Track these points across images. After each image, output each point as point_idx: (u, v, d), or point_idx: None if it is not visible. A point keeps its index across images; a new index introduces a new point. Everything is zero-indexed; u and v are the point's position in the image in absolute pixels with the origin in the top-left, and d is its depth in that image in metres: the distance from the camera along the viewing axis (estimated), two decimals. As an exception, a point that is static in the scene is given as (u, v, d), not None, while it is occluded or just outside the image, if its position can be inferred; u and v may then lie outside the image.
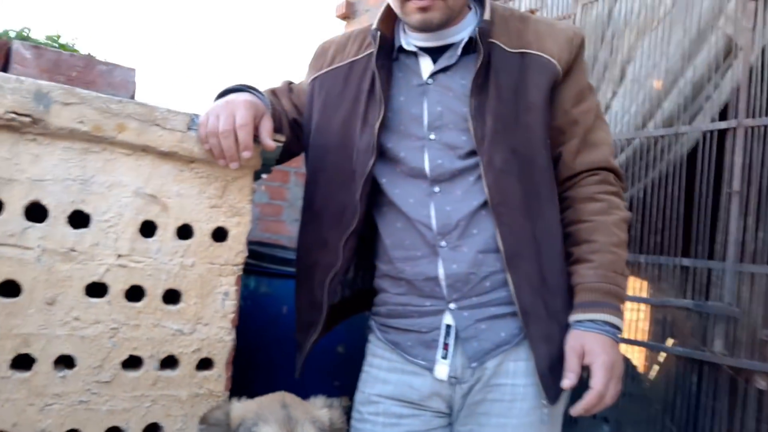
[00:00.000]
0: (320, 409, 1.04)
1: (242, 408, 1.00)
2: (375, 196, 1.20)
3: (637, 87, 2.22)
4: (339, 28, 3.61)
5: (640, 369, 2.45)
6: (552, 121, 1.16)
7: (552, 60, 1.14)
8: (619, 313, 1.11)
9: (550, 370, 1.09)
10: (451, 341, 1.13)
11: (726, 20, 1.99)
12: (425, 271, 1.14)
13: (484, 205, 1.11)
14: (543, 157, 1.14)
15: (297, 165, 3.38)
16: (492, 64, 1.13)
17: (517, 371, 1.12)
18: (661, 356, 2.27)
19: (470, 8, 1.21)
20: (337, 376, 2.20)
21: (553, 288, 1.12)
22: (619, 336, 1.10)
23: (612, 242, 1.12)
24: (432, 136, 1.14)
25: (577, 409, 1.06)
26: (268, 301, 2.14)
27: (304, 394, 2.21)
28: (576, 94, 1.17)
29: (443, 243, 1.13)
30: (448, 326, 1.13)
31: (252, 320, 1.78)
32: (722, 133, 2.00)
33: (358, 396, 1.24)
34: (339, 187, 1.20)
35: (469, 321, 1.12)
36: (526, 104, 1.13)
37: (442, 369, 1.13)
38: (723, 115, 2.03)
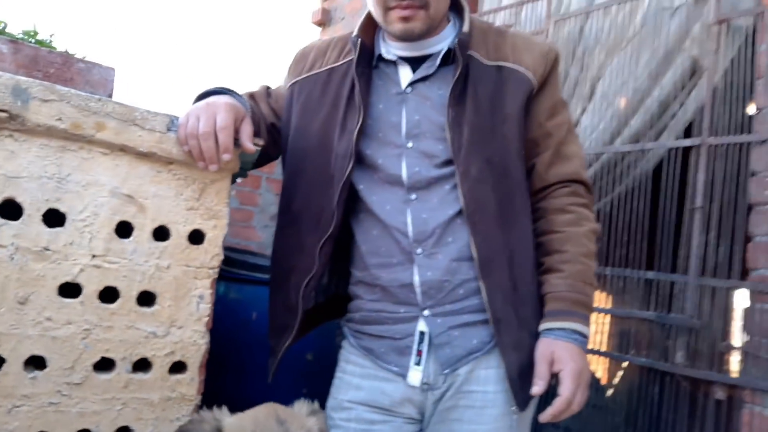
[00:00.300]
0: (308, 417, 1.02)
1: (236, 424, 0.95)
2: (352, 203, 1.21)
3: (606, 104, 2.28)
4: (315, 35, 3.62)
5: (604, 380, 2.50)
6: (527, 133, 1.18)
7: (528, 73, 1.17)
8: (587, 322, 1.14)
9: (519, 377, 1.11)
10: (425, 348, 1.14)
11: (691, 42, 2.07)
12: (400, 277, 1.15)
13: (459, 213, 1.13)
14: (517, 168, 1.17)
15: (269, 170, 3.37)
16: (470, 75, 1.15)
17: (488, 378, 1.14)
18: (624, 367, 2.32)
19: (449, 20, 1.23)
20: (306, 384, 2.19)
21: (524, 296, 1.15)
22: (586, 344, 1.13)
23: (581, 252, 1.15)
24: (410, 144, 1.16)
25: (545, 416, 1.08)
26: (238, 307, 2.13)
27: (274, 400, 2.20)
28: (550, 108, 1.20)
29: (419, 250, 1.14)
30: (422, 333, 1.15)
31: (221, 326, 1.77)
32: (686, 150, 2.07)
33: (331, 402, 1.24)
34: (317, 192, 1.20)
35: (442, 328, 1.14)
36: (503, 116, 1.15)
37: (415, 375, 1.15)
38: (687, 133, 2.11)
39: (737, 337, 1.86)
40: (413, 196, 1.15)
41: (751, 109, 1.93)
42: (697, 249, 1.95)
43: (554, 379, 1.11)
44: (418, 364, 1.14)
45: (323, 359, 2.21)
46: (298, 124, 1.26)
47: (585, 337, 1.12)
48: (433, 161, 1.15)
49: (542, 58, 1.19)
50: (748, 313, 1.77)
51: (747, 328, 1.75)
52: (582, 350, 1.11)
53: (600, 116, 2.30)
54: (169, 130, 1.09)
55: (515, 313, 1.12)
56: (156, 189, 1.10)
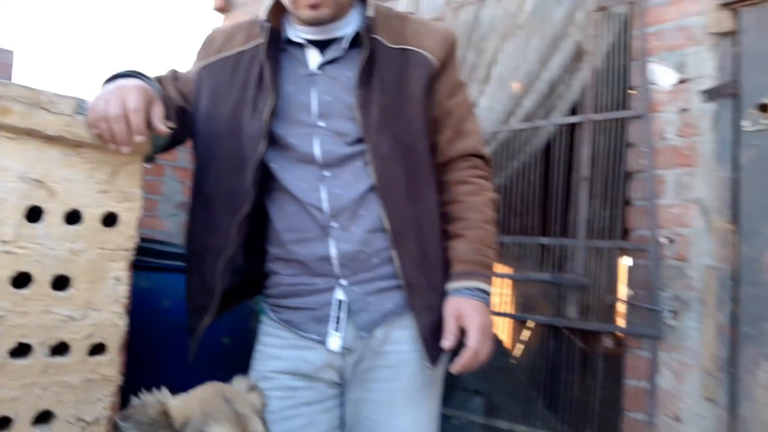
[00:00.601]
0: (249, 393, 1.03)
1: (183, 406, 0.93)
2: (265, 182, 1.25)
3: (501, 86, 2.43)
4: (217, 21, 3.56)
5: (507, 342, 2.69)
6: (429, 112, 1.26)
7: (429, 56, 1.25)
8: (489, 281, 1.25)
9: (431, 335, 1.20)
10: (343, 315, 1.21)
11: (575, 28, 2.25)
12: (317, 251, 1.21)
13: (371, 188, 1.20)
14: (422, 144, 1.25)
15: (172, 158, 3.29)
16: (375, 58, 1.22)
17: (402, 339, 1.22)
18: (526, 330, 2.51)
19: (353, 5, 1.29)
20: (222, 367, 2.20)
21: (433, 261, 1.24)
22: (489, 301, 1.24)
23: (482, 219, 1.26)
24: (321, 124, 1.21)
25: (456, 366, 1.18)
26: (149, 295, 2.10)
27: (190, 385, 2.20)
28: (450, 89, 1.28)
29: (335, 224, 1.20)
30: (340, 301, 1.21)
31: (133, 314, 1.75)
32: (573, 126, 2.25)
33: (253, 374, 1.29)
34: (229, 173, 1.23)
35: (359, 295, 1.21)
36: (407, 96, 1.23)
37: (335, 341, 1.21)
38: (573, 111, 2.29)
39: (621, 291, 2.07)
40: (327, 173, 1.21)
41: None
42: (584, 215, 2.14)
43: (462, 336, 1.21)
44: (336, 330, 1.21)
45: (239, 342, 2.24)
46: (208, 108, 1.28)
47: (488, 294, 1.23)
48: (344, 139, 1.21)
49: (442, 42, 1.27)
50: (629, 270, 1.97)
51: (629, 282, 1.96)
52: (486, 306, 1.22)
53: (495, 98, 2.44)
54: (77, 113, 1.08)
55: (425, 277, 1.22)
56: (66, 173, 1.09)
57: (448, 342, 1.18)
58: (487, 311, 1.22)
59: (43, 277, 1.06)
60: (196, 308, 1.29)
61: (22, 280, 1.04)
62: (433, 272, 1.24)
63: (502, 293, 2.43)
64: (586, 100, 2.22)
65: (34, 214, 1.06)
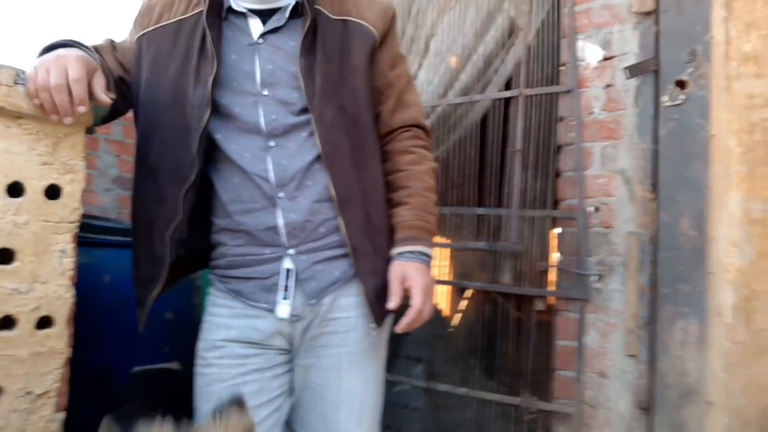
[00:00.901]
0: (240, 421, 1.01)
1: None
2: (210, 152, 1.26)
3: (439, 60, 2.49)
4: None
5: (447, 310, 2.79)
6: (371, 83, 1.30)
7: (371, 28, 1.28)
8: (431, 245, 1.32)
9: (376, 298, 1.26)
10: (291, 283, 1.25)
11: (509, 4, 2.32)
12: (265, 221, 1.24)
13: (317, 158, 1.23)
14: (366, 114, 1.29)
15: (107, 131, 3.20)
16: (318, 28, 1.24)
17: (349, 305, 1.28)
18: (464, 298, 2.61)
19: None
20: (166, 342, 2.21)
21: (378, 229, 1.29)
22: (430, 263, 1.30)
23: (423, 187, 1.32)
24: (265, 92, 1.23)
25: (401, 326, 1.25)
26: (89, 272, 2.07)
27: (136, 362, 2.17)
28: (391, 60, 1.33)
29: (281, 194, 1.23)
30: (288, 270, 1.25)
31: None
32: (507, 101, 2.34)
33: (202, 344, 1.31)
34: (174, 142, 1.23)
35: (307, 264, 1.25)
36: (350, 66, 1.26)
37: (284, 309, 1.25)
38: (508, 86, 2.38)
39: (552, 257, 2.20)
40: (272, 143, 1.23)
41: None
42: (518, 186, 2.24)
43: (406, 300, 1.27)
44: (285, 298, 1.25)
45: (182, 318, 2.24)
46: (149, 77, 1.27)
47: (430, 257, 1.30)
48: (289, 109, 1.23)
49: (382, 15, 1.31)
50: (559, 237, 2.09)
51: (559, 249, 2.08)
52: (428, 268, 1.29)
53: (434, 71, 2.50)
54: (16, 83, 1.06)
55: (370, 244, 1.27)
56: (6, 144, 1.07)
57: (392, 303, 1.24)
58: (430, 273, 1.29)
59: (-15, 251, 1.05)
60: (145, 280, 1.30)
61: (-36, 254, 1.03)
62: (378, 239, 1.29)
63: (440, 263, 2.52)
64: (519, 75, 2.30)
65: (-27, 187, 1.04)
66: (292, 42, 1.23)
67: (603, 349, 1.92)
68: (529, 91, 2.25)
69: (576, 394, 1.95)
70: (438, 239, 2.54)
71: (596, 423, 1.90)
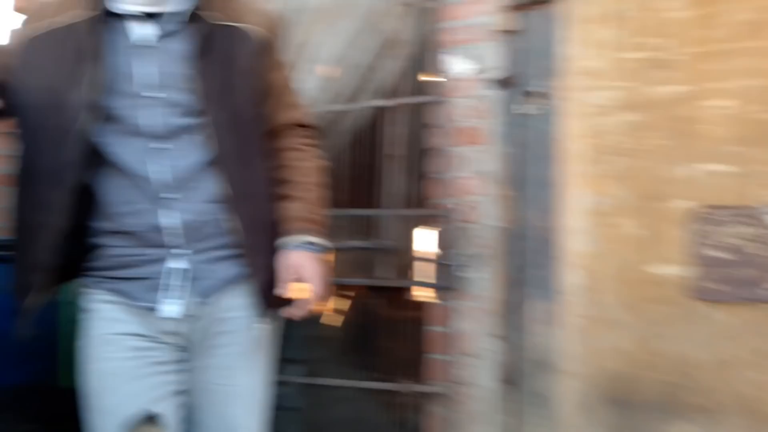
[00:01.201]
0: None
1: None
2: (93, 156, 1.23)
3: (320, 69, 2.61)
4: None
5: (325, 311, 2.86)
6: (258, 85, 1.33)
7: (257, 33, 1.32)
8: (320, 234, 1.36)
9: (266, 295, 1.30)
10: (178, 283, 1.24)
11: (387, 17, 2.51)
12: (151, 222, 1.23)
13: (207, 159, 1.25)
14: (253, 116, 1.33)
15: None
16: (209, 33, 1.27)
17: (240, 304, 1.30)
18: (343, 296, 2.71)
19: None
20: (26, 358, 2.11)
21: (267, 226, 1.33)
22: (321, 251, 1.34)
23: (312, 182, 1.38)
24: (153, 95, 1.23)
25: (290, 312, 1.30)
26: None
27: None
28: (275, 64, 1.38)
29: (170, 195, 1.23)
30: (177, 270, 1.24)
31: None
32: (382, 109, 2.51)
33: (91, 341, 1.26)
34: (56, 147, 1.21)
35: (196, 263, 1.25)
36: (239, 70, 1.29)
37: (172, 308, 1.24)
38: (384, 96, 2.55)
39: (423, 252, 2.37)
40: (159, 146, 1.23)
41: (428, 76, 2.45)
42: (392, 187, 2.40)
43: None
44: (172, 298, 1.24)
45: (44, 332, 2.11)
46: (31, 82, 1.24)
47: (320, 247, 1.34)
48: (178, 111, 1.24)
49: (269, 21, 1.36)
50: (429, 233, 2.27)
51: (429, 244, 2.25)
52: (317, 256, 1.33)
53: (314, 80, 2.61)
54: None
55: (260, 242, 1.30)
56: None
57: (281, 290, 1.28)
58: (319, 260, 1.33)
59: None
60: (25, 288, 1.26)
61: None
62: (267, 236, 1.32)
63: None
64: (393, 86, 2.48)
65: None
66: (181, 45, 1.25)
67: (469, 332, 2.10)
68: (403, 101, 2.43)
69: (446, 374, 2.11)
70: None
71: (465, 399, 2.06)
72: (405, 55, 2.47)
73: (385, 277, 2.38)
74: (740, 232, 1.67)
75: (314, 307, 1.32)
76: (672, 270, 1.76)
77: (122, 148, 1.22)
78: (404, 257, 2.35)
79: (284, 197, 1.35)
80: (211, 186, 1.25)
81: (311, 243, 1.32)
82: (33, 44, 1.25)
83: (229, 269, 1.28)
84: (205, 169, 1.25)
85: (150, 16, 1.25)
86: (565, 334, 1.91)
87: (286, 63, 1.44)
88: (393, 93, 2.48)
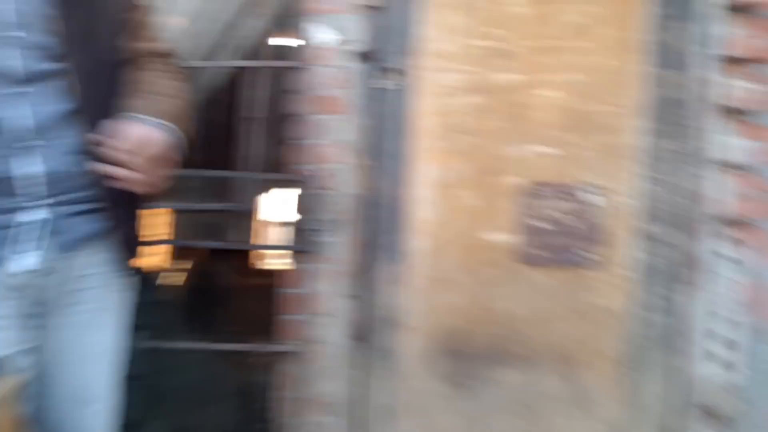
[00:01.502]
0: None
1: None
2: None
3: (175, 21, 2.50)
4: None
5: (178, 274, 2.81)
6: (118, 28, 1.28)
7: None
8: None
9: (127, 248, 1.30)
10: (36, 235, 1.18)
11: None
12: (2, 171, 1.15)
13: (71, 106, 1.19)
14: (119, 55, 1.28)
15: None
16: None
17: (99, 260, 1.27)
18: (197, 258, 2.68)
19: None
20: None
21: None
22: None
23: (168, 93, 1.29)
24: (10, 34, 1.14)
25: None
26: None
27: None
28: (138, 5, 1.32)
29: (30, 144, 1.16)
30: (34, 221, 1.18)
31: None
32: (243, 70, 2.50)
33: None
34: None
35: (57, 216, 1.20)
36: (99, 11, 1.24)
37: (25, 262, 1.18)
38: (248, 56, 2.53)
39: (280, 216, 2.43)
40: (17, 90, 1.15)
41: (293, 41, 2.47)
42: (249, 150, 2.42)
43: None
44: (30, 250, 1.18)
45: None
46: None
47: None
48: (39, 54, 1.17)
49: None
50: (288, 198, 2.33)
51: (288, 208, 2.32)
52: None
53: (169, 33, 2.51)
54: None
55: (122, 193, 1.22)
56: None
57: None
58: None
59: None
60: None
61: None
62: (130, 192, 1.25)
63: (172, 225, 2.56)
64: (254, 47, 2.48)
65: None
66: None
67: (323, 293, 2.22)
68: (266, 64, 2.44)
69: (299, 334, 2.21)
70: (174, 200, 2.55)
71: (318, 357, 2.19)
72: (267, 17, 2.46)
73: (239, 240, 2.41)
74: (559, 206, 1.96)
75: (144, 184, 1.19)
76: (502, 237, 2.02)
77: None
78: (260, 221, 2.39)
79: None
80: (75, 135, 1.19)
81: (157, 122, 1.21)
82: None
83: (90, 223, 1.23)
84: (70, 116, 1.18)
85: None
86: (410, 293, 2.11)
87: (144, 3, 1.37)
88: (254, 54, 2.47)
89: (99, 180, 1.20)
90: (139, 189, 1.20)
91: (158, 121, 1.21)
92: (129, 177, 1.17)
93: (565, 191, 1.97)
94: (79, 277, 1.25)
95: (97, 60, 1.22)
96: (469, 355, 2.04)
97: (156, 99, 1.27)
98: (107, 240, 1.26)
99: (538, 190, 1.98)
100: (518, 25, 2.03)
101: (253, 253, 2.38)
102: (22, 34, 1.15)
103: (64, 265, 1.23)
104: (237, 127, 2.46)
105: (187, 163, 2.53)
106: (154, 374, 2.37)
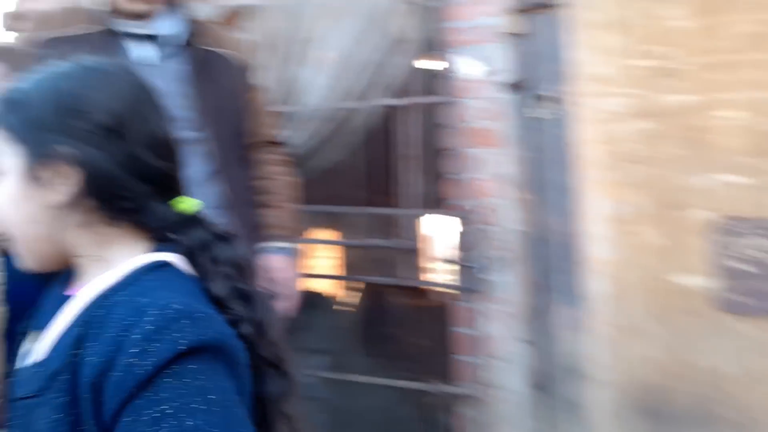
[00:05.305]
0: None
1: None
2: None
3: (328, 66, 2.56)
4: None
5: (347, 304, 2.93)
6: (240, 105, 1.53)
7: (238, 59, 1.54)
8: (293, 240, 1.59)
9: None
10: None
11: (396, 14, 2.44)
12: None
13: (209, 168, 1.43)
14: (242, 132, 1.53)
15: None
16: (200, 56, 1.46)
17: None
18: (361, 290, 2.77)
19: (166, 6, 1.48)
20: None
21: (253, 229, 1.52)
22: (294, 257, 1.57)
23: (286, 194, 1.61)
24: None
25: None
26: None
27: None
28: (253, 87, 1.58)
29: None
30: None
31: None
32: (395, 108, 2.49)
33: None
34: None
35: None
36: (229, 92, 1.50)
37: None
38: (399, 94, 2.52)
39: (444, 253, 2.40)
40: None
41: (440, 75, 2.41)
42: (409, 187, 2.42)
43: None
44: None
45: None
46: None
47: (292, 250, 1.57)
48: (180, 125, 1.34)
49: (245, 48, 1.59)
50: (451, 234, 2.30)
51: (451, 245, 2.29)
52: (291, 259, 1.56)
53: (327, 76, 2.57)
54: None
55: (250, 244, 1.46)
56: None
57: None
58: (293, 265, 1.56)
59: None
60: None
61: None
62: (256, 238, 1.52)
63: (336, 259, 2.66)
64: (403, 85, 2.45)
65: None
66: (181, 67, 1.42)
67: (496, 335, 2.16)
68: (415, 100, 2.41)
69: (474, 376, 2.18)
70: (334, 236, 2.65)
71: (495, 402, 2.14)
72: (413, 54, 2.42)
73: (406, 276, 2.43)
74: (760, 245, 1.68)
75: (287, 309, 1.51)
76: (696, 280, 1.77)
77: None
78: (424, 257, 2.39)
79: (264, 205, 1.56)
80: (213, 193, 1.41)
81: (285, 248, 1.54)
82: (49, 46, 1.35)
83: None
84: (208, 177, 1.41)
85: (148, 39, 1.41)
86: (594, 341, 1.93)
87: (261, 87, 1.63)
88: (403, 92, 2.45)
89: (237, 232, 1.44)
90: (284, 310, 1.48)
91: (285, 246, 1.52)
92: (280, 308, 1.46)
93: (765, 227, 1.68)
94: None
95: (224, 129, 1.45)
96: (669, 416, 1.81)
97: (280, 203, 1.55)
98: None
99: (733, 226, 1.72)
100: (683, 40, 1.78)
101: (420, 289, 2.39)
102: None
103: None
104: (395, 164, 2.47)
105: (353, 200, 2.64)
106: (331, 400, 2.50)
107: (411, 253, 2.40)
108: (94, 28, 1.38)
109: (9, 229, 0.70)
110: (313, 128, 2.57)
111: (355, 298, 2.91)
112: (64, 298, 0.69)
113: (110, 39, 1.37)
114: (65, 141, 0.66)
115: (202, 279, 0.70)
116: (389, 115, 2.53)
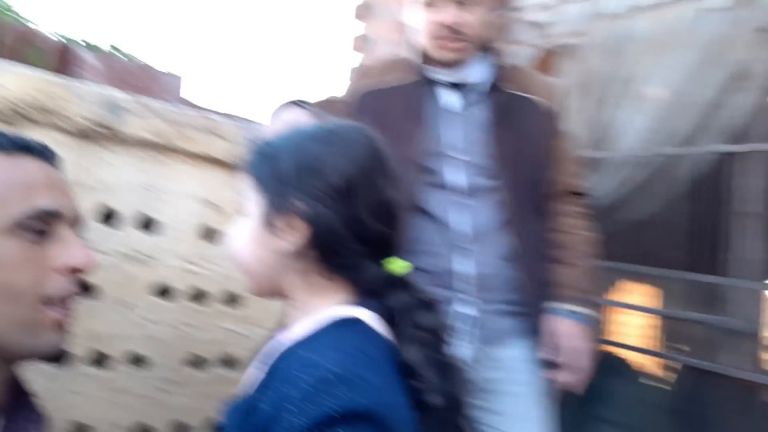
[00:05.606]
0: None
1: None
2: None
3: (653, 106, 2.30)
4: (358, 28, 3.67)
5: (654, 379, 2.52)
6: (543, 152, 1.43)
7: (543, 103, 1.44)
8: (587, 305, 1.37)
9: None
10: (470, 328, 1.30)
11: (738, 46, 2.08)
12: (446, 266, 1.32)
13: (501, 218, 1.35)
14: (541, 180, 1.43)
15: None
16: (504, 102, 1.41)
17: (520, 357, 1.34)
18: (674, 370, 2.34)
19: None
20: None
21: (546, 285, 1.38)
22: (587, 322, 1.36)
23: (584, 251, 1.42)
24: (458, 156, 1.36)
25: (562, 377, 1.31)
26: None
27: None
28: (561, 133, 1.47)
29: (466, 246, 1.32)
30: (465, 315, 1.30)
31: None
32: (734, 155, 2.08)
33: None
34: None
35: (483, 313, 1.31)
36: (528, 137, 1.41)
37: (460, 351, 1.22)
38: (734, 139, 2.11)
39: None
40: (460, 200, 1.34)
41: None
42: (743, 253, 1.97)
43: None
44: (460, 341, 1.27)
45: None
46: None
47: (585, 316, 1.35)
48: (478, 172, 1.36)
49: (553, 93, 1.48)
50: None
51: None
52: (584, 328, 1.34)
53: (650, 119, 2.32)
54: (247, 139, 1.15)
55: (539, 301, 1.35)
56: (233, 194, 1.16)
57: (542, 354, 1.31)
58: (585, 334, 1.34)
59: (217, 295, 1.13)
60: None
61: (198, 296, 1.12)
62: (545, 295, 1.37)
63: (649, 326, 2.31)
64: (750, 128, 2.04)
65: (208, 235, 1.13)
66: (484, 114, 1.39)
67: None
68: (756, 147, 1.98)
69: None
70: (642, 301, 2.31)
71: None
72: (758, 91, 2.01)
73: (730, 362, 1.95)
74: None
75: (573, 382, 1.33)
76: None
77: (430, 197, 1.35)
78: (757, 342, 1.90)
79: (558, 261, 1.41)
80: (503, 243, 1.34)
81: (578, 313, 1.35)
82: (366, 99, 1.44)
83: (512, 323, 1.33)
84: (499, 227, 1.34)
85: (456, 86, 1.42)
86: None
87: (568, 132, 1.51)
88: (744, 136, 2.04)
89: (524, 286, 1.33)
90: (568, 383, 1.32)
91: (577, 310, 1.34)
92: (565, 379, 1.31)
93: None
94: (499, 369, 1.31)
95: (522, 178, 1.37)
96: None
97: (576, 261, 1.39)
98: (528, 340, 1.34)
99: None
100: None
101: (752, 383, 1.89)
102: (467, 157, 1.36)
103: (485, 357, 1.31)
104: (727, 223, 2.05)
105: (669, 263, 2.26)
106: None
107: (741, 335, 1.93)
108: (409, 78, 1.43)
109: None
110: (625, 175, 2.31)
111: (667, 373, 2.48)
112: (275, 342, 0.75)
113: (423, 88, 1.41)
114: (301, 197, 0.72)
115: (397, 342, 0.71)
116: (723, 162, 2.13)
